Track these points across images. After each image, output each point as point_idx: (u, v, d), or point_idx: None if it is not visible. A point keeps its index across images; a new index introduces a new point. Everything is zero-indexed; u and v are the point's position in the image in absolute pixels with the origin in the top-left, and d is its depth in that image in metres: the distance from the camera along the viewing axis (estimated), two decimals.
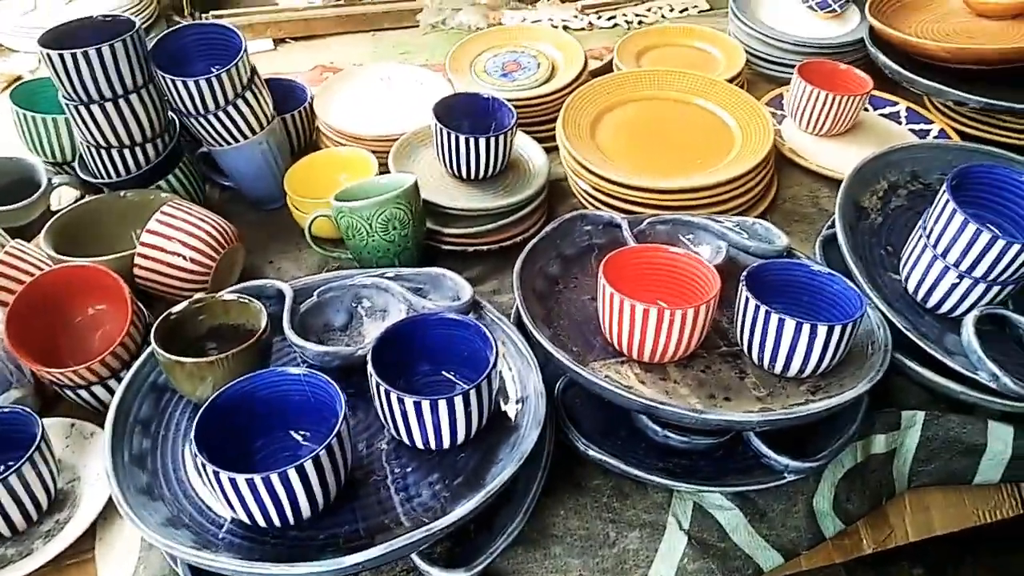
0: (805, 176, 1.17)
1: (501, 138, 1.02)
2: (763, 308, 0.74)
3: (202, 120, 0.98)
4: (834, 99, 1.16)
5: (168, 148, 1.02)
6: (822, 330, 0.72)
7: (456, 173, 1.05)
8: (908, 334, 0.81)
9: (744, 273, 0.79)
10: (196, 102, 0.96)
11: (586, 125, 1.14)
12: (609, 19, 3.23)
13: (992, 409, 0.82)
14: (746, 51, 1.35)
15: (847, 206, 0.94)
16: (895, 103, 1.28)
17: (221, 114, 0.98)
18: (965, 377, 0.79)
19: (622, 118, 1.17)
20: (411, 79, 1.27)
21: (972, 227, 0.79)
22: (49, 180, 1.04)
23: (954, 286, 0.83)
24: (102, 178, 1.01)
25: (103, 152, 0.98)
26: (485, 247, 1.03)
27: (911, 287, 0.87)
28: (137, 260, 0.89)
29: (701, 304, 0.74)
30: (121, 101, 0.94)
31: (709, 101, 1.18)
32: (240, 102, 0.99)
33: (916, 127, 1.24)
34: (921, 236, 0.85)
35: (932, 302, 0.86)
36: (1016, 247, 0.77)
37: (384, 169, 1.06)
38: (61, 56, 0.89)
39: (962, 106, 1.18)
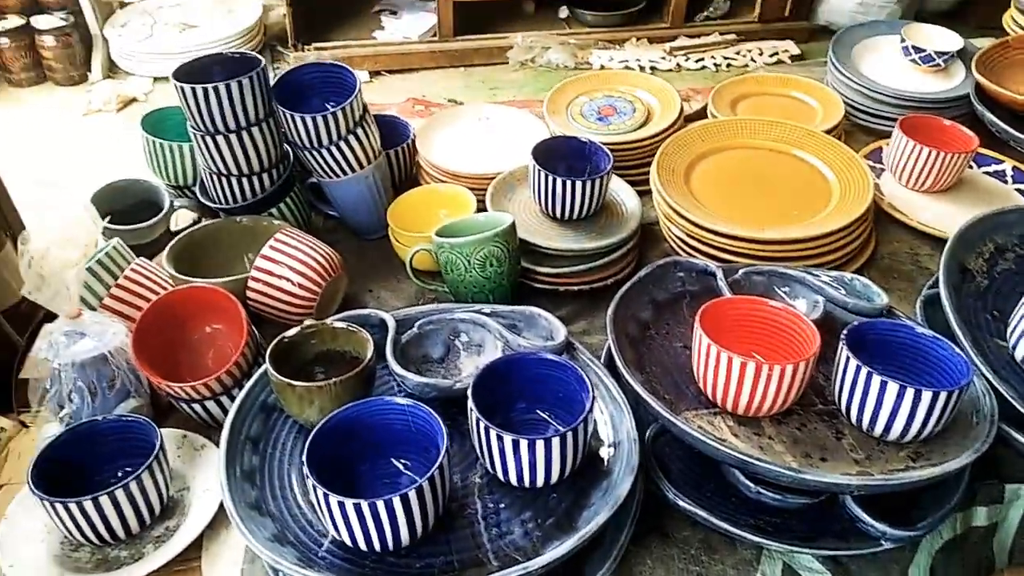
0: (904, 232, 1.15)
1: (597, 181, 1.04)
2: (864, 369, 0.73)
3: (315, 153, 1.04)
4: (937, 156, 1.14)
5: (282, 178, 1.07)
6: (926, 396, 0.71)
7: (551, 213, 1.07)
8: (1016, 404, 0.79)
9: (845, 331, 0.78)
10: (312, 136, 1.02)
11: (680, 171, 1.15)
12: (697, 61, 3.25)
13: None
14: (844, 102, 1.34)
15: (952, 267, 0.93)
16: (1000, 161, 1.25)
17: (333, 148, 1.03)
18: None
19: (717, 165, 1.18)
20: (509, 119, 1.31)
21: None
22: (171, 202, 1.12)
23: None
24: (220, 203, 1.08)
25: (223, 179, 1.05)
26: (576, 287, 1.04)
27: (1019, 355, 0.85)
28: (250, 283, 0.94)
29: (801, 361, 0.73)
30: (244, 133, 1.00)
31: (807, 152, 1.18)
32: (352, 137, 1.04)
33: (1022, 187, 1.21)
34: None
35: None
36: None
37: (482, 206, 1.10)
38: (194, 90, 0.96)
39: None
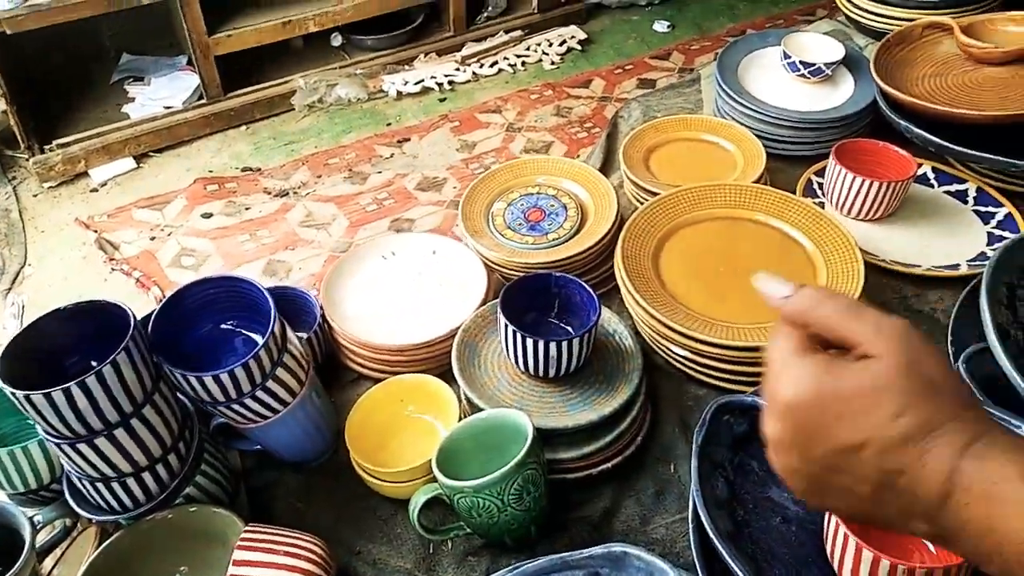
0: (874, 272, 1.08)
1: (593, 331, 0.86)
2: None
3: (231, 407, 0.76)
4: (883, 186, 1.09)
5: (192, 451, 0.77)
6: None
7: (540, 375, 0.88)
8: None
9: None
10: (226, 391, 0.74)
11: (652, 275, 1.00)
12: (492, 66, 3.11)
13: None
14: (746, 127, 1.25)
15: (995, 334, 0.86)
16: (919, 163, 1.22)
17: (258, 391, 0.76)
18: None
19: (681, 252, 1.03)
20: (419, 249, 1.07)
21: None
22: (32, 523, 0.77)
23: None
24: (109, 512, 0.76)
25: (111, 482, 0.73)
26: (611, 463, 0.86)
27: None
28: None
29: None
30: (130, 421, 0.70)
31: (763, 213, 1.07)
32: (278, 370, 0.76)
33: (950, 188, 1.20)
34: None
35: None
36: None
37: (440, 370, 0.88)
38: (48, 397, 0.64)
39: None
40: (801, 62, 1.28)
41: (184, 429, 0.77)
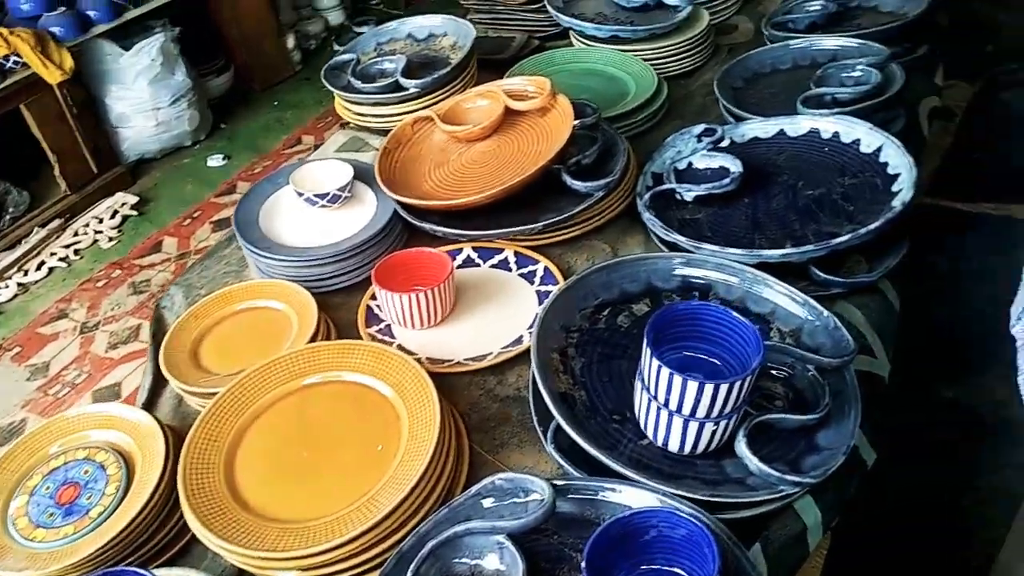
0: (450, 379, 1.07)
1: None
2: None
3: None
4: (430, 294, 1.09)
5: None
6: None
7: None
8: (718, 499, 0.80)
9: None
10: None
11: (230, 502, 0.87)
12: (39, 268, 2.72)
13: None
14: (283, 277, 1.19)
15: (560, 405, 0.88)
16: (460, 249, 1.26)
17: None
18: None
19: (259, 456, 0.92)
20: None
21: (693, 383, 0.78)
22: None
23: (701, 427, 0.83)
24: None
25: None
26: None
27: (661, 440, 0.85)
28: None
29: None
30: None
31: (328, 371, 1.00)
32: None
33: (493, 261, 1.24)
34: (651, 401, 0.83)
35: (694, 448, 0.85)
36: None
37: None
38: None
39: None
40: (316, 195, 1.25)
41: None
